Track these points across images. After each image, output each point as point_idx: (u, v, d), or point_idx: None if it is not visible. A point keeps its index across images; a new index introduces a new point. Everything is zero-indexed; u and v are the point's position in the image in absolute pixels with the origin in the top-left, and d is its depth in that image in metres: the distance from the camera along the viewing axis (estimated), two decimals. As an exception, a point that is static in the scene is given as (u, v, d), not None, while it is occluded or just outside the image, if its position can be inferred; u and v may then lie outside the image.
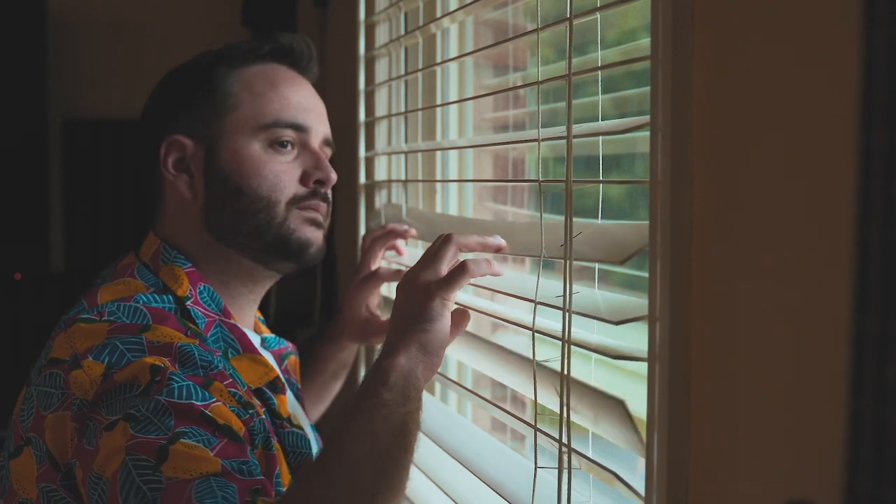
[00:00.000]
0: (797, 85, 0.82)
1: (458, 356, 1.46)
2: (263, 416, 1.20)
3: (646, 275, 0.99)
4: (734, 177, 0.90)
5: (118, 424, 1.06)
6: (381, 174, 1.93)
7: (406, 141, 1.89)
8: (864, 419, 0.56)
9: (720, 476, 0.93)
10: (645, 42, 1.05)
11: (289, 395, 1.32)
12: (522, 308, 1.32)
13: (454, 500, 1.43)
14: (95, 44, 2.87)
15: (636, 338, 1.05)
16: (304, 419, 1.42)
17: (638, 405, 1.02)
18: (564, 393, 1.11)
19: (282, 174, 1.29)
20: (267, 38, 1.35)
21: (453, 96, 1.78)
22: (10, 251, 2.74)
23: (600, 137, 1.14)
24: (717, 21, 0.92)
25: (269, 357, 1.36)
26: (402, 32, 1.85)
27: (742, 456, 0.89)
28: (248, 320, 1.37)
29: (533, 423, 1.19)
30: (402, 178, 1.90)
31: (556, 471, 1.13)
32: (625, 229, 1.06)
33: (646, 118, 0.99)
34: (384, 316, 1.61)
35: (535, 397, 1.19)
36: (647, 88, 0.98)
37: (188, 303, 1.24)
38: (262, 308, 2.60)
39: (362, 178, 1.98)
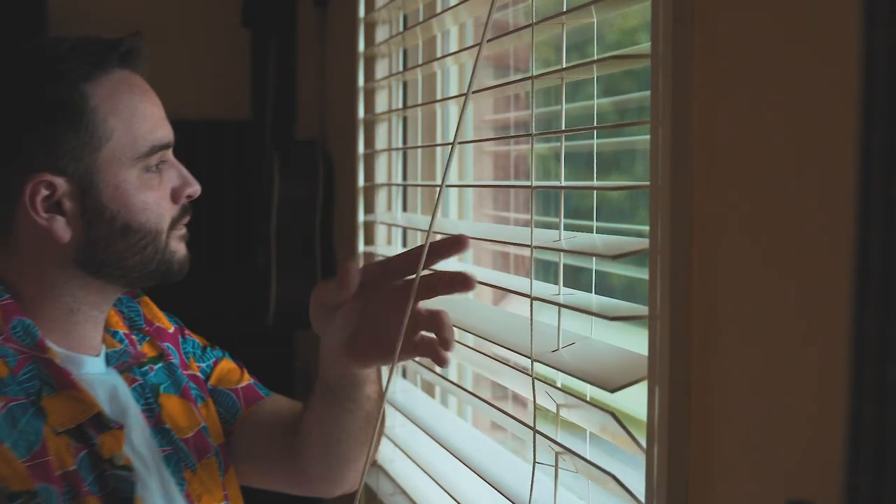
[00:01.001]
0: (797, 85, 0.82)
1: (458, 359, 1.46)
2: (71, 468, 1.11)
3: (646, 275, 0.99)
4: (734, 177, 0.90)
5: None
6: (380, 175, 1.93)
7: (405, 142, 1.89)
8: (864, 419, 0.56)
9: (720, 476, 0.92)
10: (645, 42, 1.05)
11: (136, 426, 1.21)
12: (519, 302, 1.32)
13: (454, 498, 1.43)
14: (95, 44, 2.87)
15: (636, 338, 1.05)
16: (142, 452, 1.22)
17: (638, 406, 1.02)
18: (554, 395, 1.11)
19: (161, 200, 1.20)
20: (112, 44, 1.20)
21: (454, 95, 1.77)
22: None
23: (595, 140, 1.14)
24: (717, 21, 0.92)
25: (101, 387, 1.21)
26: (401, 32, 1.85)
27: (742, 456, 0.89)
28: (95, 341, 1.25)
29: (532, 426, 1.19)
30: (401, 180, 1.90)
31: (553, 470, 1.13)
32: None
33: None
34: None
35: (535, 398, 1.19)
36: (648, 91, 0.98)
37: None
38: (262, 308, 2.60)
39: (361, 180, 1.98)
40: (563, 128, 1.13)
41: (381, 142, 1.93)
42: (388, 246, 1.92)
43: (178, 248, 1.23)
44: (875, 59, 0.55)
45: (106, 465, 1.14)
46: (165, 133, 1.20)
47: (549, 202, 1.46)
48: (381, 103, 1.92)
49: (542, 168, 1.53)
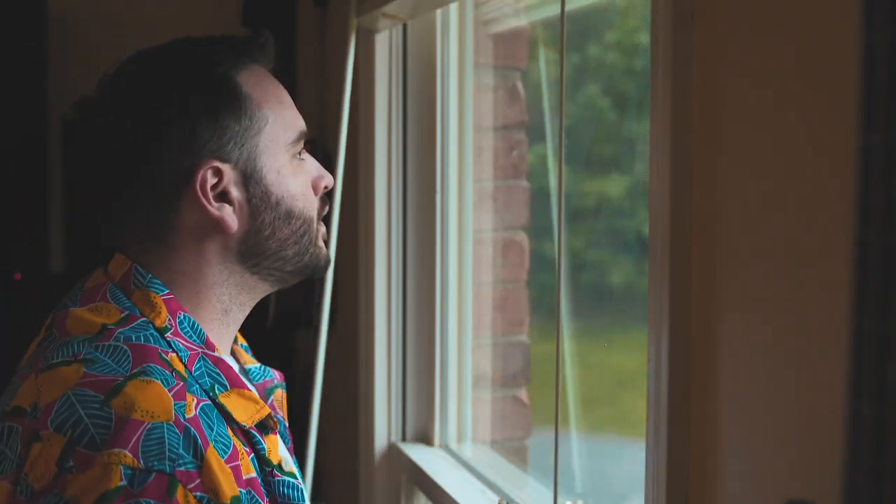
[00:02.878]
0: (797, 85, 0.82)
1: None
2: (252, 476, 1.09)
3: (645, 276, 0.99)
4: (734, 177, 0.90)
5: None
6: (381, 174, 1.93)
7: (405, 142, 1.89)
8: (864, 419, 0.56)
9: (720, 476, 0.92)
10: (645, 42, 1.05)
11: (279, 439, 1.19)
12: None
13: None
14: (95, 43, 2.87)
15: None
16: (290, 460, 1.23)
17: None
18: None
19: (306, 186, 1.19)
20: (254, 37, 1.19)
21: (453, 96, 1.78)
22: (10, 251, 2.74)
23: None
24: (717, 21, 0.92)
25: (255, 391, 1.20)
26: (402, 33, 1.85)
27: (742, 456, 0.89)
28: (226, 348, 1.22)
29: None
30: (402, 179, 1.90)
31: None
32: None
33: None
34: None
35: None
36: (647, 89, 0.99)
37: (168, 334, 1.11)
38: (262, 309, 2.60)
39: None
40: (561, 128, 1.13)
41: (381, 141, 1.93)
42: (386, 246, 1.92)
43: (322, 246, 1.21)
44: (875, 59, 0.55)
45: (275, 469, 1.12)
46: (303, 122, 1.19)
47: (549, 202, 1.46)
48: (381, 104, 1.92)
49: (542, 167, 1.54)
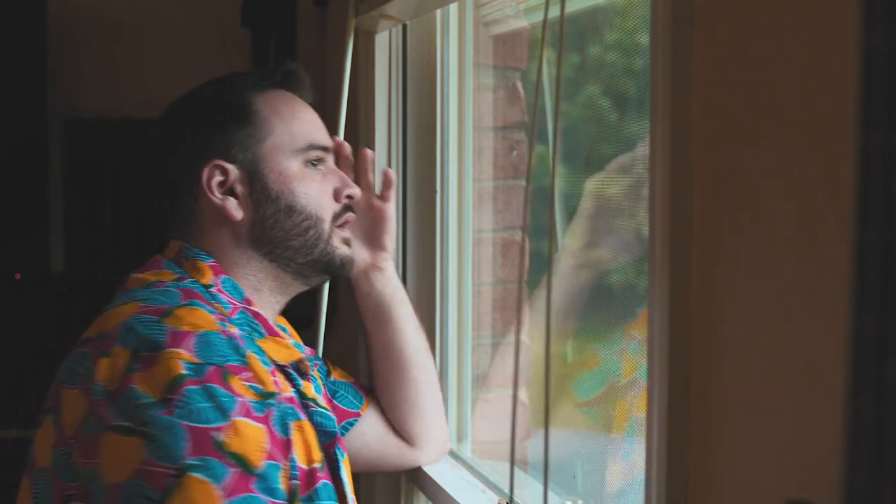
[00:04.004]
0: (797, 84, 0.82)
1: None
2: (292, 394, 1.28)
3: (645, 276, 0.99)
4: (734, 177, 0.90)
5: (131, 438, 1.14)
6: (381, 174, 1.93)
7: (405, 142, 1.89)
8: (864, 419, 0.56)
9: (720, 476, 0.93)
10: (645, 42, 1.06)
11: (314, 382, 1.38)
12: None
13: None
14: (95, 44, 2.87)
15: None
16: (321, 399, 1.42)
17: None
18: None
19: (322, 192, 1.40)
20: (276, 67, 1.45)
21: (453, 96, 1.78)
22: (10, 251, 2.74)
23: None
24: (717, 21, 0.92)
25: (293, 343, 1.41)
26: (402, 33, 1.85)
27: (742, 456, 0.89)
28: (268, 316, 1.41)
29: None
30: (402, 179, 1.90)
31: None
32: None
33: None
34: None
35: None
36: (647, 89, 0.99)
37: (211, 290, 1.32)
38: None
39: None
40: (556, 127, 1.13)
41: (380, 141, 1.93)
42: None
43: (339, 247, 1.42)
44: (874, 58, 0.55)
45: (310, 402, 1.32)
46: (321, 137, 1.42)
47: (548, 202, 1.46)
48: (380, 104, 1.92)
49: (541, 167, 1.54)
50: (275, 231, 1.37)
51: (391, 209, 1.57)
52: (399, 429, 1.57)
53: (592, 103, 1.47)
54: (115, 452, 1.15)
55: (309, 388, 1.34)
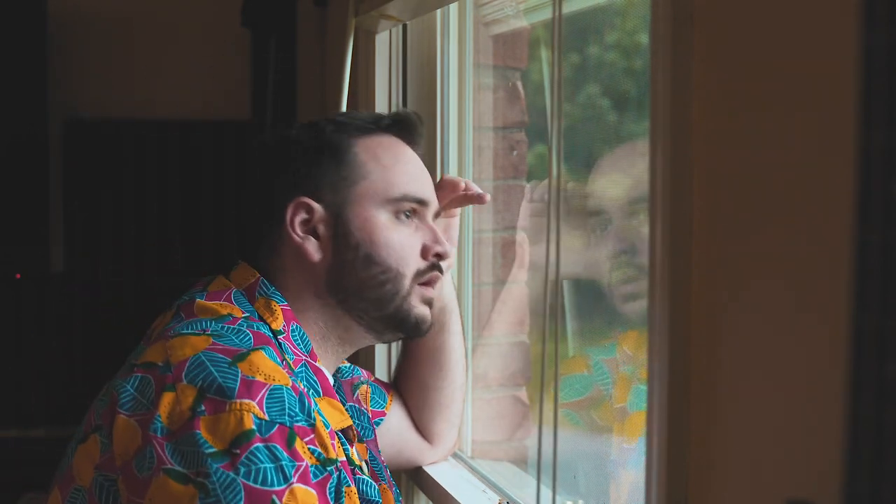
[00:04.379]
0: (797, 84, 0.82)
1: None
2: (343, 459, 1.23)
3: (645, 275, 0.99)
4: (734, 177, 0.90)
5: (186, 487, 1.10)
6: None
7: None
8: (864, 419, 0.56)
9: (720, 476, 0.92)
10: (645, 42, 1.06)
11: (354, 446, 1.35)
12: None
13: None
14: (95, 43, 2.87)
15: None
16: (366, 465, 1.39)
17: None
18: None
19: (407, 246, 1.34)
20: (389, 113, 1.41)
21: (453, 96, 1.78)
22: (10, 251, 2.74)
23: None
24: (717, 21, 0.92)
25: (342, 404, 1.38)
26: (402, 33, 1.85)
27: (742, 456, 0.89)
28: (328, 366, 1.37)
29: None
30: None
31: None
32: None
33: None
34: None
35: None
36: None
37: (280, 337, 1.27)
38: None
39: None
40: (559, 126, 1.13)
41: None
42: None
43: (418, 306, 1.35)
44: (874, 58, 0.55)
45: (357, 469, 1.27)
46: (421, 190, 1.37)
47: (549, 203, 1.46)
48: (380, 104, 1.92)
49: (541, 167, 1.54)
50: (350, 279, 1.32)
51: (456, 220, 1.54)
52: (422, 427, 1.57)
53: (592, 103, 1.47)
54: (166, 498, 1.11)
55: (354, 455, 1.29)
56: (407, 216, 1.34)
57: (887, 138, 0.54)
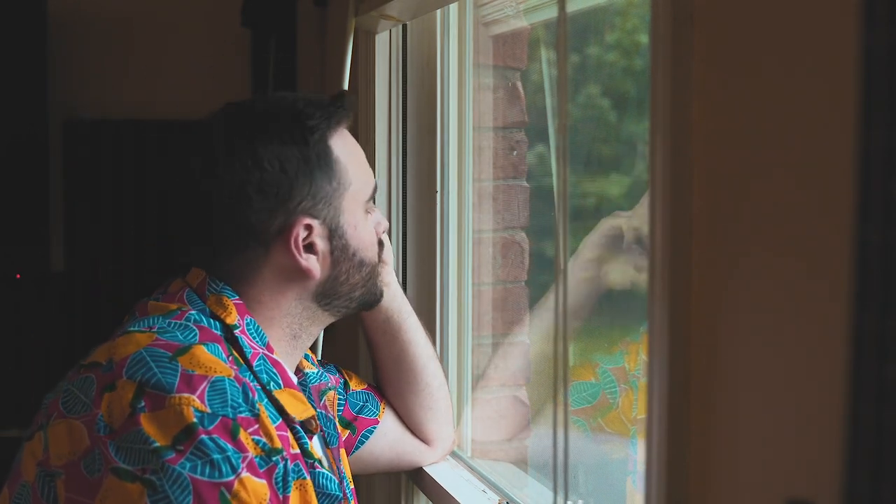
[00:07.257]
0: (797, 84, 0.82)
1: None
2: (297, 452, 1.23)
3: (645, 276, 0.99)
4: (734, 177, 0.90)
5: (133, 485, 1.09)
6: (381, 174, 1.93)
7: (405, 142, 1.89)
8: (864, 419, 0.56)
9: (720, 476, 0.93)
10: (645, 42, 1.06)
11: (315, 439, 1.33)
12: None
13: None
14: (95, 43, 2.87)
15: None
16: (326, 459, 1.37)
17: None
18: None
19: (374, 237, 1.36)
20: (340, 101, 1.32)
21: (453, 96, 1.78)
22: (10, 251, 2.74)
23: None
24: (717, 21, 0.92)
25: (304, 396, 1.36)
26: (402, 33, 1.85)
27: (742, 456, 0.89)
28: (295, 362, 1.37)
29: None
30: (402, 178, 1.90)
31: None
32: None
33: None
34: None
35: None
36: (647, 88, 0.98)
37: (236, 331, 1.26)
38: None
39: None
40: (564, 125, 1.13)
41: (380, 140, 1.93)
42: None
43: (380, 283, 1.41)
44: (874, 58, 0.55)
45: (315, 462, 1.27)
46: (374, 177, 1.38)
47: (549, 202, 1.47)
48: (380, 104, 1.92)
49: (542, 167, 1.54)
50: (344, 286, 1.33)
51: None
52: (416, 430, 1.58)
53: (592, 103, 1.47)
54: (116, 498, 1.10)
55: (315, 449, 1.29)
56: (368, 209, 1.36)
57: (887, 138, 0.54)
